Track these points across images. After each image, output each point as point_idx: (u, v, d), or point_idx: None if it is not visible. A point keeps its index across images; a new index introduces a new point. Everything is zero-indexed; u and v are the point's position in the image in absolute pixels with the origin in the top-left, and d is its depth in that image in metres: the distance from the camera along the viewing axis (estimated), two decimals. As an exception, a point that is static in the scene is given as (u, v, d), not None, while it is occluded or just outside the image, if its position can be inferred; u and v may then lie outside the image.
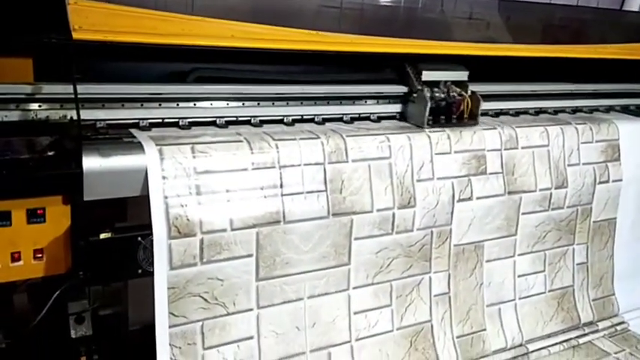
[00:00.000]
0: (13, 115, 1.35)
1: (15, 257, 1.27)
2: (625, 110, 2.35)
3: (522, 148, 1.84)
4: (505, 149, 1.81)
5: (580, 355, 1.90)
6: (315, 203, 1.47)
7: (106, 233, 1.31)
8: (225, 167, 1.36)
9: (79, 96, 1.26)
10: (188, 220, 1.30)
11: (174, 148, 1.31)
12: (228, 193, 1.35)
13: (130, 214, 1.38)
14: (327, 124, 1.69)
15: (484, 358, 1.76)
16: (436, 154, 1.67)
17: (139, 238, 1.32)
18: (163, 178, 1.28)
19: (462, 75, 1.83)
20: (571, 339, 1.95)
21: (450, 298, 1.74)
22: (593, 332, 2.02)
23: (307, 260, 1.48)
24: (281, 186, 1.42)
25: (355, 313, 1.58)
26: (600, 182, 2.02)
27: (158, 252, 1.27)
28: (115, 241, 1.31)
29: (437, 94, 1.77)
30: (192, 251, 1.32)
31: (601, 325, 2.05)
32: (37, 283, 1.36)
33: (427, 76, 1.78)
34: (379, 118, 1.79)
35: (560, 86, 2.24)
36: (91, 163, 1.23)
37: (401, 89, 1.82)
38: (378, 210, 1.57)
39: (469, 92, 1.81)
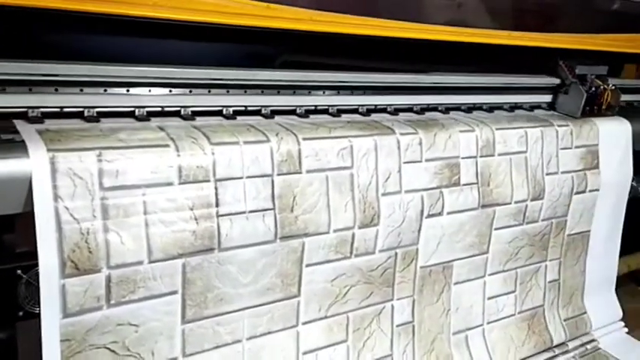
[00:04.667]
0: None
1: None
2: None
3: (499, 155, 1.61)
4: (481, 156, 1.57)
5: (549, 379, 1.73)
6: (259, 225, 1.18)
7: (-31, 264, 0.99)
8: (144, 181, 1.05)
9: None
10: (90, 252, 0.99)
11: (72, 157, 0.98)
12: (147, 215, 1.05)
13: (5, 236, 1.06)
14: (277, 117, 1.39)
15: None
16: (405, 162, 1.41)
17: (19, 272, 1.02)
18: (57, 198, 0.95)
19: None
20: (540, 363, 1.78)
21: (413, 327, 1.51)
22: (563, 353, 1.86)
23: (247, 295, 1.20)
24: (217, 204, 1.13)
25: (304, 353, 1.32)
26: (577, 192, 1.83)
27: (47, 296, 0.95)
28: (-16, 274, 0.99)
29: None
30: (96, 292, 1.01)
31: (571, 344, 1.89)
32: None
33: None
34: (339, 112, 1.51)
35: (538, 79, 2.02)
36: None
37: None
38: (335, 230, 1.30)
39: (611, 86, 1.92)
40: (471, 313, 1.64)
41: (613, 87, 1.90)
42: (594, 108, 1.89)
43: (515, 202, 1.66)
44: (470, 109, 1.78)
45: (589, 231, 1.92)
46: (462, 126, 1.54)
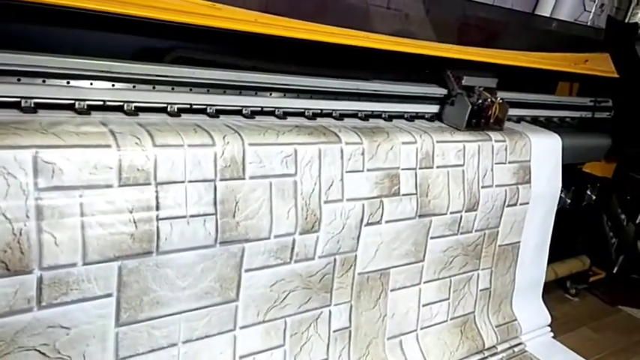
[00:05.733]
0: None
1: None
2: (535, 122, 2.28)
3: (438, 167, 1.67)
4: (420, 168, 1.63)
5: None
6: (200, 229, 1.19)
7: None
8: (81, 182, 1.03)
9: None
10: (22, 253, 0.97)
11: (7, 155, 0.95)
12: (84, 217, 1.03)
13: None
14: (222, 117, 1.40)
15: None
16: (347, 171, 1.44)
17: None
18: (-13, 196, 0.93)
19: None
20: (470, 364, 1.87)
21: (350, 332, 1.55)
22: (492, 355, 1.95)
23: (185, 298, 1.20)
24: (157, 208, 1.12)
25: (241, 357, 1.33)
26: (509, 205, 1.92)
27: (-27, 297, 0.93)
28: None
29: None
30: (26, 293, 0.99)
31: (500, 347, 1.98)
32: None
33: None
34: (285, 114, 1.52)
35: (425, 89, 2.09)
36: None
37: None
38: (276, 236, 1.32)
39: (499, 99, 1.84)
40: (406, 319, 1.70)
41: (501, 100, 1.85)
42: (481, 121, 1.83)
43: (451, 213, 1.72)
44: (367, 116, 1.74)
45: (519, 242, 2.02)
46: (404, 137, 1.59)
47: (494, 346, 1.97)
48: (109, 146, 1.07)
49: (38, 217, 0.98)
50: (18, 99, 1.13)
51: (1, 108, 1.10)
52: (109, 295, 1.09)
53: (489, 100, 1.83)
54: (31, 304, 1.00)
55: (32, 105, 1.14)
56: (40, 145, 0.99)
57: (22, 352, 1.01)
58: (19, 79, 1.13)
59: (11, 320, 0.98)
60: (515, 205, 1.94)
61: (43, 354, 1.03)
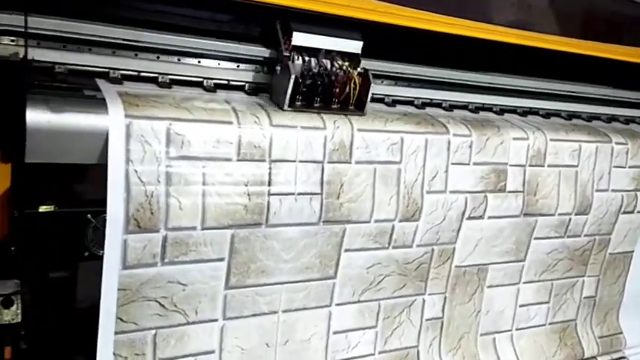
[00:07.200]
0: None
1: None
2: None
3: (549, 166, 1.62)
4: (530, 165, 1.58)
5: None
6: (306, 207, 1.25)
7: (48, 206, 1.10)
8: (206, 154, 1.13)
9: (32, 31, 1.06)
10: (152, 213, 1.09)
11: (146, 125, 1.07)
12: (205, 186, 1.13)
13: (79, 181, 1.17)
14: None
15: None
16: (453, 163, 1.44)
17: (89, 216, 1.12)
18: (128, 161, 1.05)
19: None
20: (567, 373, 1.81)
21: (442, 323, 1.56)
22: (591, 366, 1.88)
23: (287, 270, 1.28)
24: (269, 184, 1.20)
25: (335, 333, 1.39)
26: (625, 212, 1.81)
27: (110, 248, 1.06)
28: (58, 215, 1.10)
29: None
30: (153, 249, 1.11)
31: (600, 359, 1.90)
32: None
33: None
34: (394, 102, 1.54)
35: (595, 89, 1.99)
36: (36, 117, 0.99)
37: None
38: (377, 221, 1.36)
39: (358, 70, 1.30)
40: (502, 318, 1.67)
41: (362, 70, 1.29)
42: (333, 100, 1.28)
43: (559, 215, 1.66)
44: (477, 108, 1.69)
45: (632, 251, 1.90)
46: (516, 132, 1.55)
47: (594, 357, 1.89)
48: (231, 123, 1.17)
49: (167, 182, 1.09)
50: (156, 75, 1.26)
51: (142, 82, 1.22)
52: (222, 260, 1.19)
53: (340, 70, 1.26)
54: (155, 259, 1.12)
55: (167, 81, 1.26)
56: (173, 117, 1.10)
57: (145, 302, 1.13)
58: (158, 57, 1.26)
59: (138, 272, 1.11)
60: (632, 212, 1.83)
61: (162, 305, 1.16)
